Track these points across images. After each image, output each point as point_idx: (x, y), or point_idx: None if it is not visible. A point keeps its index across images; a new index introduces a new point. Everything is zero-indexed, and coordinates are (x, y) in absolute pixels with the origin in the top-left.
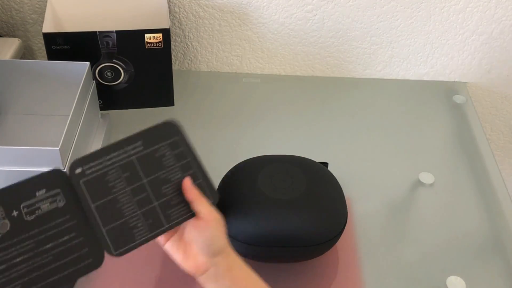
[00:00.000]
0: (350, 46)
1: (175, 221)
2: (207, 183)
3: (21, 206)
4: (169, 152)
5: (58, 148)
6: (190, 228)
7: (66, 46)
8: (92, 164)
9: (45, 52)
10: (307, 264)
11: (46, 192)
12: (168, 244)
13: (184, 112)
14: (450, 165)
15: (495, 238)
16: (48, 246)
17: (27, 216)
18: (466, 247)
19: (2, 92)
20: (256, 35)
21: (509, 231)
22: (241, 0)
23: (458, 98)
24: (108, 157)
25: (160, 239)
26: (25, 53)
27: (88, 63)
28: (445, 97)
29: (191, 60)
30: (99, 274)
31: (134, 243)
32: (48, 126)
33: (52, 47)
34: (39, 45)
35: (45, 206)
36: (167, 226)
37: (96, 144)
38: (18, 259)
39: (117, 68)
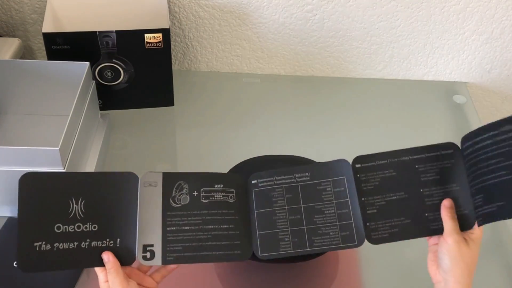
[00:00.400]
0: (350, 46)
1: (316, 248)
2: (356, 224)
3: (201, 190)
4: (330, 188)
5: (58, 148)
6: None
7: (66, 46)
8: (265, 179)
9: (45, 52)
10: (307, 264)
11: (223, 187)
12: (431, 240)
13: (184, 112)
14: None
15: (495, 238)
16: (210, 226)
17: (203, 198)
18: None
19: (2, 92)
20: (256, 35)
21: (509, 231)
22: (241, 0)
23: (458, 98)
24: (279, 178)
25: (429, 239)
26: (25, 53)
27: (88, 63)
28: (445, 97)
29: (191, 60)
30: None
31: (277, 253)
32: (48, 126)
33: (52, 47)
34: (39, 45)
35: (219, 197)
36: (308, 249)
37: (96, 144)
38: (186, 228)
39: (117, 68)
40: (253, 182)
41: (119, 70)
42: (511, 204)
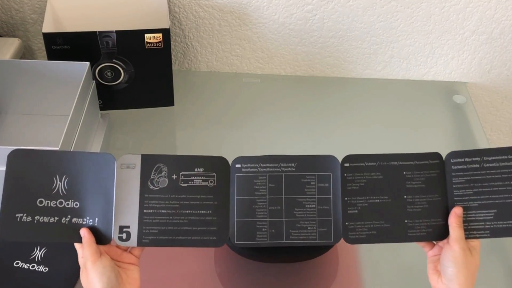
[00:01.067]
0: (350, 46)
1: (291, 241)
2: (335, 222)
3: (180, 173)
4: (315, 183)
5: (58, 148)
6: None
7: (66, 46)
8: (250, 165)
9: (45, 52)
10: (307, 264)
11: (203, 171)
12: (430, 252)
13: (184, 112)
14: None
15: (495, 238)
16: (187, 211)
17: (182, 182)
18: None
19: (2, 92)
20: (256, 35)
21: None
22: (241, 0)
23: (458, 98)
24: (264, 165)
25: (426, 247)
26: (25, 53)
27: (88, 63)
28: (445, 97)
29: (191, 60)
30: None
31: (253, 242)
32: (48, 126)
33: (52, 47)
34: (39, 45)
35: (198, 181)
36: (284, 241)
37: (96, 144)
38: (163, 211)
39: (117, 68)
40: (237, 165)
41: (119, 70)
42: None
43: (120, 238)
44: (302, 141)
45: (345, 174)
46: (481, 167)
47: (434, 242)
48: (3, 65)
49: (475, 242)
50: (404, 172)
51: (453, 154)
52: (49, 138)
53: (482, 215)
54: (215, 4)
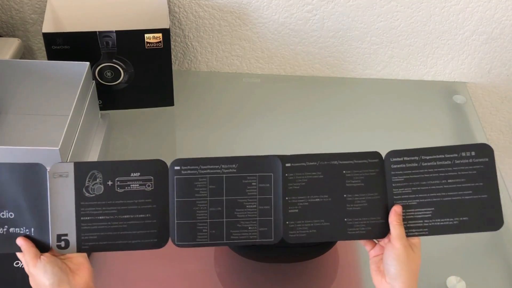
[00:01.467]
0: (350, 46)
1: (232, 240)
2: (276, 221)
3: (116, 179)
4: (256, 183)
5: (58, 148)
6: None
7: (66, 46)
8: (189, 167)
9: (45, 52)
10: (307, 264)
11: (140, 176)
12: (372, 252)
13: (184, 112)
14: None
15: (495, 238)
16: (126, 216)
17: (118, 188)
18: (466, 247)
19: (2, 92)
20: (256, 35)
21: (509, 231)
22: (241, 0)
23: (458, 98)
24: (204, 167)
25: (368, 246)
26: (25, 53)
27: (88, 63)
28: (445, 97)
29: (191, 60)
30: (100, 273)
31: (194, 243)
32: (48, 126)
33: (52, 47)
34: (39, 45)
35: (135, 186)
36: (225, 242)
37: (96, 144)
38: (100, 217)
39: (117, 68)
40: (176, 168)
41: (119, 70)
42: (475, 220)
43: (59, 246)
44: (302, 141)
45: (286, 174)
46: (419, 166)
47: (375, 241)
48: (3, 65)
49: (415, 239)
50: (344, 171)
51: (392, 153)
52: (49, 138)
53: (420, 213)
54: (215, 4)
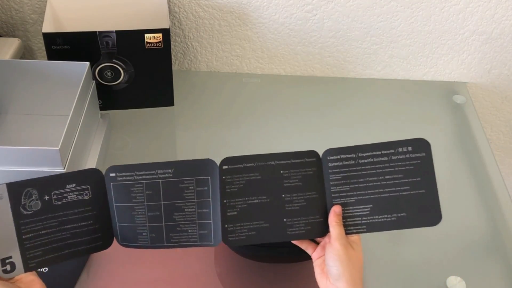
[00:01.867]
0: (350, 46)
1: (173, 243)
2: (215, 224)
3: (52, 193)
4: (193, 187)
5: (58, 148)
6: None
7: (66, 46)
8: (124, 173)
9: (45, 52)
10: (307, 264)
11: (75, 186)
12: (314, 254)
13: (184, 112)
14: (450, 165)
15: (495, 238)
16: (68, 226)
17: (56, 201)
18: (466, 247)
19: (2, 92)
20: (256, 35)
21: (509, 231)
22: (241, 0)
23: (458, 98)
24: (139, 173)
25: (309, 250)
26: (25, 53)
27: (88, 63)
28: (445, 97)
29: (191, 60)
30: (100, 273)
31: (136, 244)
32: (48, 126)
33: (52, 47)
34: (39, 45)
35: (72, 197)
36: (166, 245)
37: (96, 144)
38: (42, 232)
39: (117, 68)
40: (111, 174)
41: (119, 70)
42: (413, 216)
43: (5, 271)
44: (302, 141)
45: (224, 177)
46: (356, 163)
47: (316, 242)
48: (3, 65)
49: (354, 237)
50: (281, 171)
51: (329, 152)
52: (49, 138)
53: (358, 210)
54: (215, 4)
